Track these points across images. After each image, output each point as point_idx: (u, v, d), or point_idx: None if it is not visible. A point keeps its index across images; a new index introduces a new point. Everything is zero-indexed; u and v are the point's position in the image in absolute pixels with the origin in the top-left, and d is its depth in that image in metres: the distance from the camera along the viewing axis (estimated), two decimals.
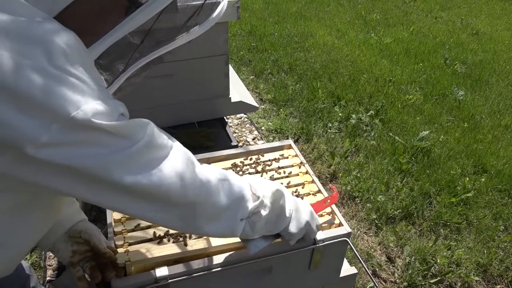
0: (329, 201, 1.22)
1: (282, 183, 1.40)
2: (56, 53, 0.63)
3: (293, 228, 1.03)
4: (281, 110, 3.31)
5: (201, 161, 1.43)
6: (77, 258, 1.03)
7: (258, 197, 0.94)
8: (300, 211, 1.05)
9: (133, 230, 1.16)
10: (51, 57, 0.62)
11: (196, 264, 1.08)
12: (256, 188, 0.95)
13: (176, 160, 0.78)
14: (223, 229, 0.90)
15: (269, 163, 1.46)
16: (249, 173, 1.42)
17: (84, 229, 1.04)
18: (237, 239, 1.14)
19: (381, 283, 2.01)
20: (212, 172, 0.87)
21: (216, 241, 1.15)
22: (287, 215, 1.00)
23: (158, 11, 0.79)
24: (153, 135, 0.75)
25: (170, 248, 1.11)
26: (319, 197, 1.36)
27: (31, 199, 0.74)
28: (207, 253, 1.14)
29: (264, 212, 0.94)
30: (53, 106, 0.61)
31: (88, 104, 0.64)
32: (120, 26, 0.77)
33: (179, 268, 1.07)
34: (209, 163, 1.43)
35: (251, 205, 0.92)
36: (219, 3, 0.92)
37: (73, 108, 0.62)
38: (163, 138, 0.79)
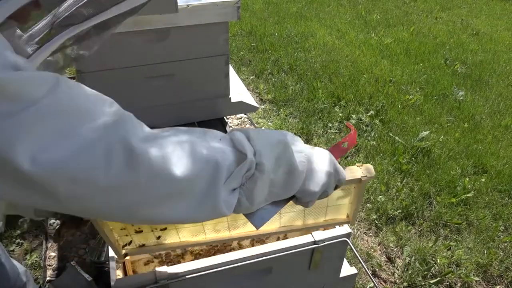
0: (346, 143, 0.97)
1: None
2: None
3: (312, 184, 0.79)
4: (281, 110, 3.31)
5: None
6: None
7: (245, 156, 0.68)
8: (317, 161, 0.81)
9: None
10: None
11: (196, 264, 1.08)
12: (243, 144, 0.69)
13: (105, 127, 0.57)
14: (196, 210, 0.66)
15: None
16: None
17: None
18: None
19: (381, 283, 2.01)
20: (166, 135, 0.65)
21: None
22: (300, 169, 0.76)
23: None
24: (63, 94, 0.55)
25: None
26: None
27: None
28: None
29: (261, 175, 0.71)
30: None
31: None
32: None
33: (179, 268, 1.07)
34: None
35: (235, 169, 0.68)
36: None
37: None
38: (86, 99, 0.59)
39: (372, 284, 1.95)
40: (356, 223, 2.31)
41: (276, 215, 0.98)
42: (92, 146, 0.56)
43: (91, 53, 0.78)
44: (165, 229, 1.02)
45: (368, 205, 2.41)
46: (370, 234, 2.26)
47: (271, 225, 1.09)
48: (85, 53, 0.76)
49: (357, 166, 0.99)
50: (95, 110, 0.58)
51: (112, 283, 1.03)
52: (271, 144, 0.73)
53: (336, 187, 0.86)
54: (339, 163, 0.89)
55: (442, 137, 3.02)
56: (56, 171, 0.53)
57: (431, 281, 1.99)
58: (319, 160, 0.81)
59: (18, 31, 0.68)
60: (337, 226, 1.25)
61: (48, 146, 0.52)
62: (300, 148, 0.77)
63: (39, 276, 1.85)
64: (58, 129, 0.53)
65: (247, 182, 0.71)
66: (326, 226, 1.17)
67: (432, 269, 2.06)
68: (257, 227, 0.81)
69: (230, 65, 2.12)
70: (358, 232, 2.26)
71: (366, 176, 0.97)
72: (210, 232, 1.08)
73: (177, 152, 0.63)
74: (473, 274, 2.06)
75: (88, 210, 0.62)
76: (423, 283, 2.00)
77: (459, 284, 2.03)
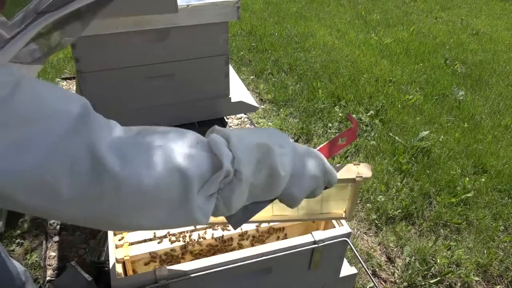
0: (344, 139, 0.90)
1: None
2: None
3: (295, 189, 0.76)
4: (281, 110, 3.31)
5: None
6: None
7: (222, 165, 0.64)
8: (303, 164, 0.77)
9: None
10: None
11: (196, 264, 1.09)
12: (220, 149, 0.65)
13: (70, 134, 0.53)
14: (169, 219, 0.64)
15: None
16: None
17: None
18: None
19: (381, 283, 2.01)
20: (137, 139, 0.60)
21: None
22: (282, 174, 0.72)
23: None
24: (24, 97, 0.50)
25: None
26: None
27: None
28: None
29: (239, 183, 0.68)
30: None
31: None
32: None
33: (179, 268, 1.07)
34: None
35: (211, 176, 0.64)
36: None
37: None
38: (49, 101, 0.53)
39: (372, 284, 1.95)
40: (356, 223, 2.31)
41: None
42: (54, 155, 0.51)
43: (75, 39, 0.75)
44: None
45: (368, 205, 2.41)
46: (370, 234, 2.26)
47: (262, 214, 1.02)
48: (68, 39, 0.73)
49: (354, 164, 0.97)
50: (59, 114, 0.53)
51: (112, 283, 1.03)
52: (252, 148, 0.69)
53: (326, 187, 0.84)
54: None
55: (442, 137, 3.02)
56: (13, 183, 0.50)
57: (431, 281, 1.99)
58: (306, 163, 0.77)
59: (2, 18, 0.65)
60: (337, 226, 1.25)
61: (5, 155, 0.48)
62: (285, 151, 0.73)
63: (39, 276, 1.85)
64: (17, 136, 0.49)
65: (225, 188, 0.67)
66: (322, 220, 1.15)
67: (432, 269, 2.06)
68: (235, 228, 0.79)
69: (230, 65, 2.12)
70: (358, 232, 2.26)
71: (361, 176, 0.94)
72: None
73: (146, 160, 0.59)
74: (473, 274, 2.06)
75: (55, 217, 0.60)
76: (423, 283, 2.00)
77: (459, 284, 2.03)
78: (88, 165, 0.54)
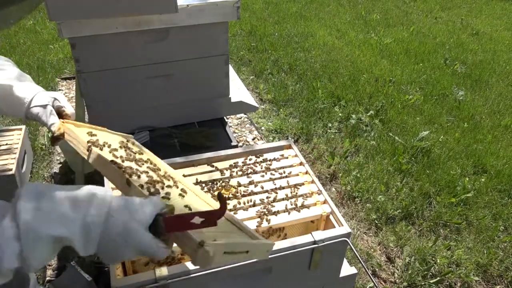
0: (201, 220, 0.76)
1: (280, 185, 1.40)
2: None
3: (104, 259, 0.82)
4: (281, 110, 3.31)
5: (201, 161, 1.44)
6: None
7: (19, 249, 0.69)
8: (113, 245, 0.78)
9: None
10: None
11: None
12: (2, 246, 0.69)
13: None
14: None
15: (269, 163, 1.46)
16: (249, 174, 1.42)
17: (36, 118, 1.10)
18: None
19: (381, 283, 2.01)
20: None
21: None
22: (82, 254, 0.79)
23: None
24: None
25: None
26: (320, 198, 1.36)
27: None
28: None
29: (29, 269, 0.73)
30: None
31: None
32: None
33: (179, 268, 1.07)
34: (210, 163, 1.44)
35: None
36: None
37: None
38: None
39: (372, 284, 1.95)
40: (356, 223, 2.31)
41: None
42: None
43: (19, 19, 0.79)
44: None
45: (368, 205, 2.41)
46: (370, 234, 2.27)
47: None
48: (13, 20, 0.77)
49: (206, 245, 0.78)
50: None
51: (112, 283, 1.03)
52: (46, 242, 0.72)
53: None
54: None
55: (442, 137, 3.02)
56: None
57: (431, 281, 1.99)
58: (114, 245, 0.78)
59: None
60: (336, 226, 1.25)
61: None
62: (92, 236, 0.76)
63: (39, 276, 1.85)
64: None
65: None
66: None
67: (432, 269, 2.06)
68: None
69: (230, 65, 2.13)
70: (358, 232, 2.26)
71: (201, 246, 0.77)
72: None
73: None
74: (473, 274, 2.06)
75: None
76: (423, 283, 2.00)
77: (459, 284, 2.03)
78: None
